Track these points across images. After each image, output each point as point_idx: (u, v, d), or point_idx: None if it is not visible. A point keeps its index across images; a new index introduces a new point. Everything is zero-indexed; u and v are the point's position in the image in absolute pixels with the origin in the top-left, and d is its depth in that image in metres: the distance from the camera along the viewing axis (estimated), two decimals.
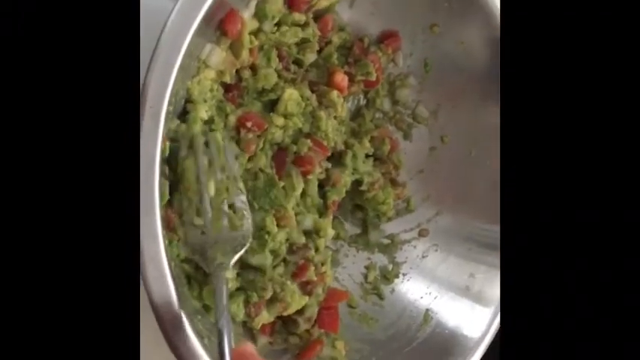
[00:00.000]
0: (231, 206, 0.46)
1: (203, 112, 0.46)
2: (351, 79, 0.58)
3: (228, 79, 0.49)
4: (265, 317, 0.50)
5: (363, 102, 0.63)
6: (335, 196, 0.56)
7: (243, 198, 0.47)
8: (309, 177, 0.53)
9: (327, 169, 0.56)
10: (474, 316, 0.59)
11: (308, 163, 0.52)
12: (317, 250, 0.54)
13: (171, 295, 0.41)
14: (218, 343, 0.40)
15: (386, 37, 0.60)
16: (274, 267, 0.51)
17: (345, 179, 0.56)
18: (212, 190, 0.45)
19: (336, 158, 0.57)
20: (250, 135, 0.49)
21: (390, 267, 0.64)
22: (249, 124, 0.49)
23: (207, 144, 0.46)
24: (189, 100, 0.47)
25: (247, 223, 0.46)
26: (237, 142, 0.49)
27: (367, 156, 0.59)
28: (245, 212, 0.46)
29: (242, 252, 0.46)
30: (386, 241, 0.64)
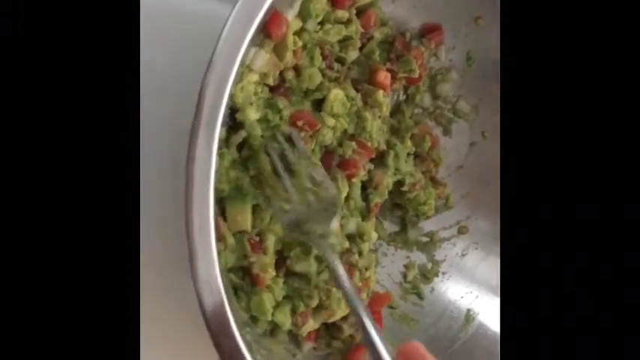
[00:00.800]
0: (311, 181, 0.46)
1: (253, 114, 0.45)
2: (394, 77, 0.56)
3: (271, 81, 0.47)
4: (311, 325, 0.49)
5: (402, 97, 0.61)
6: (377, 199, 0.55)
7: (320, 170, 0.47)
8: (354, 180, 0.52)
9: (369, 171, 0.54)
10: None
11: (353, 166, 0.51)
12: (361, 254, 0.53)
13: (223, 305, 0.41)
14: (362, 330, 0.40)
15: (428, 31, 0.58)
16: (319, 273, 0.50)
17: (387, 180, 0.55)
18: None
19: (378, 159, 0.56)
20: (302, 134, 0.47)
21: (430, 265, 0.62)
22: (300, 123, 0.47)
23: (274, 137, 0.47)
24: (234, 109, 0.46)
25: (331, 190, 0.47)
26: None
27: (408, 154, 0.58)
28: (325, 182, 0.47)
29: (338, 216, 0.48)
30: (425, 239, 0.63)
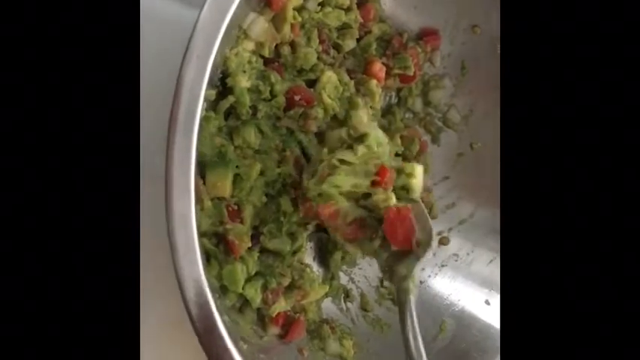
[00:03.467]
0: None
1: (244, 82, 0.44)
2: (388, 72, 0.56)
3: (266, 52, 0.47)
4: (282, 305, 0.47)
5: (394, 100, 0.61)
6: None
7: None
8: None
9: None
10: (493, 330, 0.56)
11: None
12: None
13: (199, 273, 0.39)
14: None
15: (425, 35, 0.58)
16: (294, 253, 0.48)
17: None
18: None
19: None
20: (298, 110, 0.47)
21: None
22: (297, 98, 0.46)
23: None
24: (226, 73, 0.45)
25: (429, 229, 0.45)
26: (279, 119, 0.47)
27: (397, 154, 0.57)
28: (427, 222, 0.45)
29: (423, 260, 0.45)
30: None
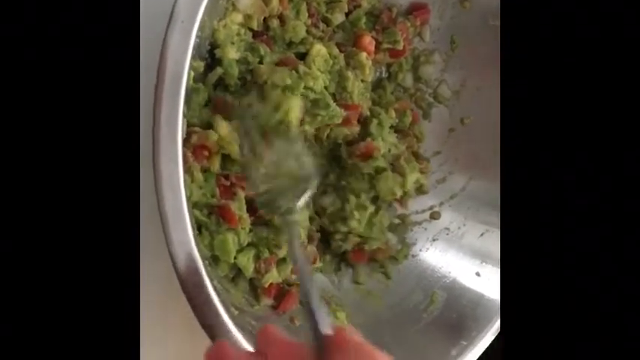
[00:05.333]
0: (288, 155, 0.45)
1: (232, 53, 0.44)
2: (377, 47, 0.56)
3: (255, 25, 0.47)
4: (274, 276, 0.48)
5: (385, 75, 0.61)
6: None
7: (299, 144, 0.46)
8: None
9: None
10: (484, 300, 0.57)
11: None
12: None
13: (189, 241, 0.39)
14: (306, 307, 0.36)
15: (415, 9, 0.59)
16: None
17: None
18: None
19: (362, 127, 0.55)
20: None
21: (400, 247, 0.62)
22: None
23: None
24: (214, 45, 0.45)
25: (308, 165, 0.45)
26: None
27: (391, 127, 0.58)
28: (304, 157, 0.45)
29: (309, 194, 0.45)
30: (397, 221, 0.62)
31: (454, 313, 0.57)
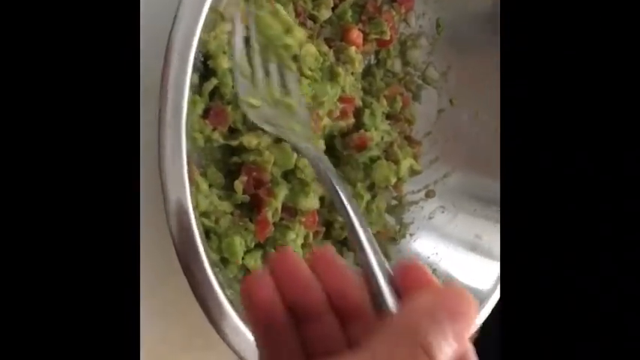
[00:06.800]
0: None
1: (225, 63, 0.46)
2: (365, 38, 0.57)
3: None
4: None
5: (373, 62, 0.63)
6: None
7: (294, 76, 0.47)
8: None
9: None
10: (482, 272, 0.60)
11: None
12: None
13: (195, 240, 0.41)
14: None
15: None
16: None
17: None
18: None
19: (355, 117, 0.57)
20: None
21: (398, 227, 0.64)
22: None
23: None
24: (207, 56, 0.47)
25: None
26: None
27: (382, 114, 0.59)
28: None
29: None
30: (394, 202, 0.65)
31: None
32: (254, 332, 0.33)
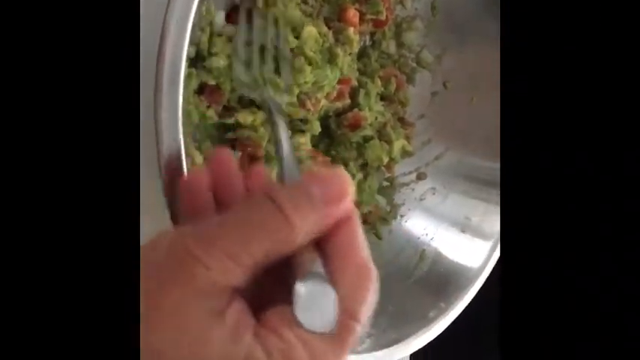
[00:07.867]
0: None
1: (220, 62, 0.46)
2: (361, 18, 0.58)
3: None
4: None
5: (368, 43, 0.63)
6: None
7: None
8: None
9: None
10: (472, 250, 0.61)
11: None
12: None
13: None
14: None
15: None
16: None
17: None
18: None
19: (350, 97, 0.57)
20: None
21: (389, 208, 0.65)
22: None
23: None
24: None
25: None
26: None
27: (376, 95, 0.60)
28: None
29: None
30: (385, 184, 0.65)
31: (442, 267, 0.61)
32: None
